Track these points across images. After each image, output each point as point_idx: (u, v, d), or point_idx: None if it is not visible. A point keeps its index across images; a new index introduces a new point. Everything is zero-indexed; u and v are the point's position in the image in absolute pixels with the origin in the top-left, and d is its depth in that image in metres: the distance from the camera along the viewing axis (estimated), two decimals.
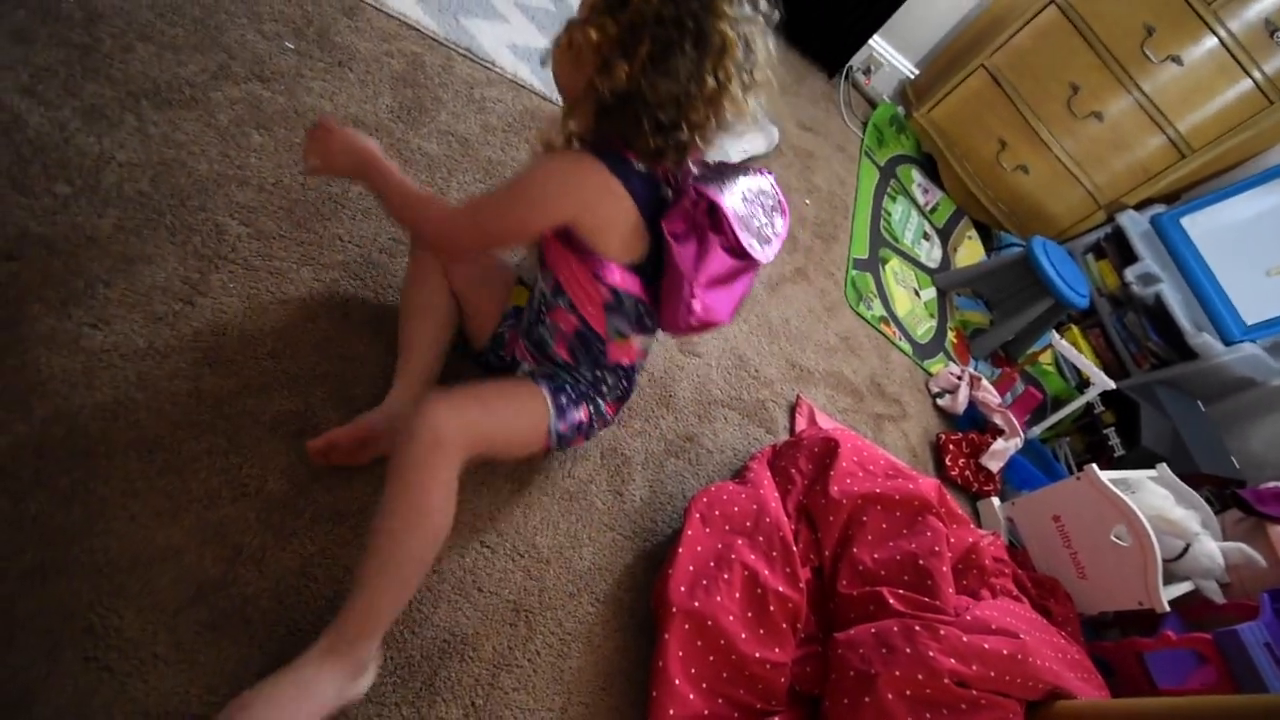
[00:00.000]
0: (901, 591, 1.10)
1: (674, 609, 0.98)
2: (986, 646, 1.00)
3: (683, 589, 1.00)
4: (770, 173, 0.96)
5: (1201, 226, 2.26)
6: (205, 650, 0.76)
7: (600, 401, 1.00)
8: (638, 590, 1.09)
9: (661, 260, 0.89)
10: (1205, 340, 2.08)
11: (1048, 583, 1.49)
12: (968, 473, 1.78)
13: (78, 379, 0.83)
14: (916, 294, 2.23)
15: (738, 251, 0.87)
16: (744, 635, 0.99)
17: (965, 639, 1.00)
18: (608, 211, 0.84)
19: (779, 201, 0.95)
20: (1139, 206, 2.41)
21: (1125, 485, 1.55)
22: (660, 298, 0.93)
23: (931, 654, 0.97)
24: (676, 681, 0.94)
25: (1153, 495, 1.56)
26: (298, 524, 0.87)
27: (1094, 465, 1.50)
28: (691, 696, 0.94)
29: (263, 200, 1.08)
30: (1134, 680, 1.38)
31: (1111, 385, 1.85)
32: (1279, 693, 1.21)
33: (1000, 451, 1.79)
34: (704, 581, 1.02)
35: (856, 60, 2.71)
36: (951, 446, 1.81)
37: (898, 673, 0.96)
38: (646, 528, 1.17)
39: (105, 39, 1.08)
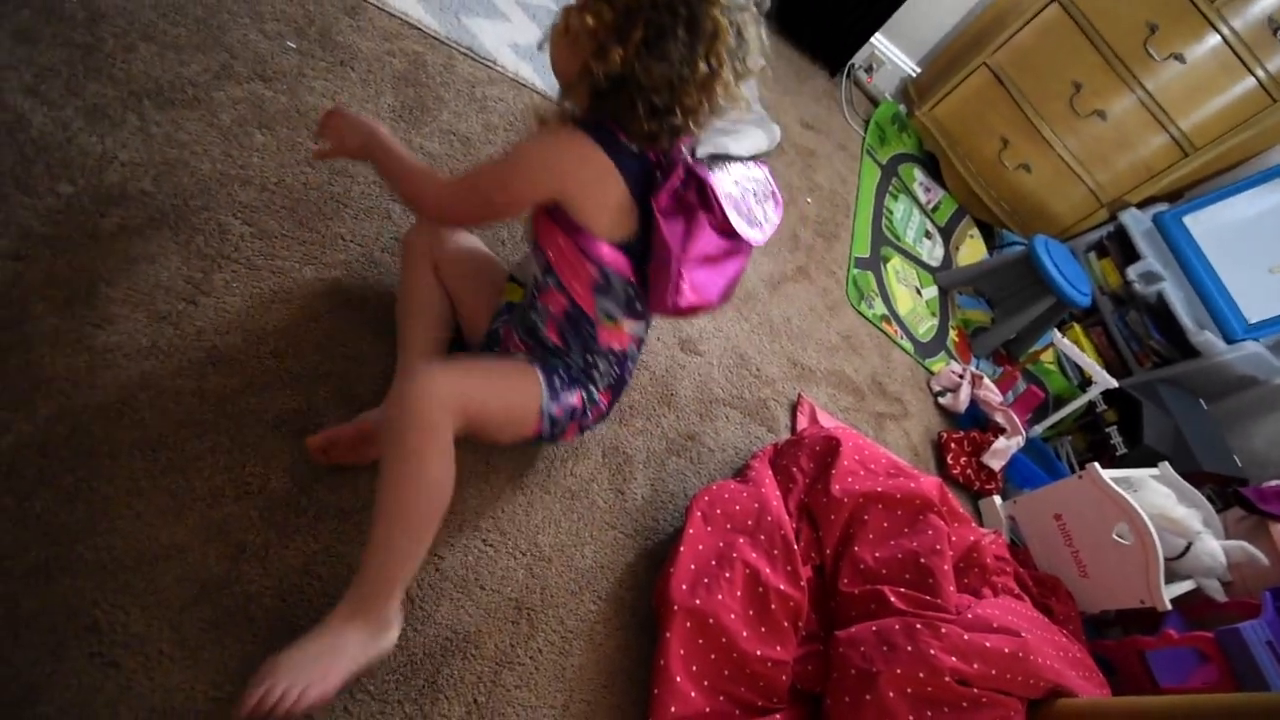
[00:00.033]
0: (903, 590, 1.10)
1: (676, 607, 0.98)
2: (988, 645, 1.00)
3: (684, 587, 1.01)
4: (766, 164, 0.97)
5: (1204, 225, 2.25)
6: (209, 647, 0.76)
7: (593, 389, 1.00)
8: (639, 588, 1.09)
9: (651, 242, 0.89)
10: (1207, 338, 2.08)
11: (1049, 581, 1.49)
12: (969, 471, 1.78)
13: (81, 378, 0.83)
14: (918, 292, 2.23)
15: (726, 230, 0.88)
16: (745, 633, 0.99)
17: (966, 637, 1.00)
18: (597, 187, 0.85)
19: (772, 191, 0.96)
20: (1141, 205, 2.41)
21: (1127, 484, 1.55)
22: (649, 278, 0.93)
23: (933, 652, 0.97)
24: (678, 679, 0.94)
25: (1155, 494, 1.56)
26: (301, 522, 0.88)
27: (1096, 464, 1.50)
28: (693, 694, 0.94)
29: (265, 199, 1.08)
30: (1135, 679, 1.38)
31: (1113, 384, 1.85)
32: None
33: (1002, 450, 1.78)
34: (706, 580, 1.02)
35: (858, 58, 2.70)
36: (953, 445, 1.81)
37: (899, 671, 0.96)
38: (648, 526, 1.17)
39: (108, 39, 1.08)
